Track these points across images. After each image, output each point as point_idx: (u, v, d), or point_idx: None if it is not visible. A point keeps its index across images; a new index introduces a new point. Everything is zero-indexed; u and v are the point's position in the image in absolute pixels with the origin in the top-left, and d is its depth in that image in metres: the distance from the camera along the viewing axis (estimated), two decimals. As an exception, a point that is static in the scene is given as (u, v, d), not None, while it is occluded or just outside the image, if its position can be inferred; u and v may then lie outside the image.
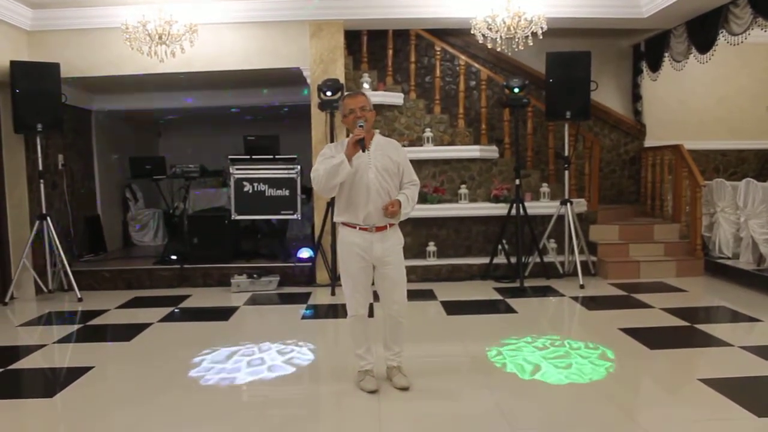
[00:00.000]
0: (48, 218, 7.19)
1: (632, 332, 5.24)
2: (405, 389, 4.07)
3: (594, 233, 8.09)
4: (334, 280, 7.06)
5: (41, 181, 7.24)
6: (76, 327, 6.05)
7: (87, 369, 4.68)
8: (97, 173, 9.70)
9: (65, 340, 5.60)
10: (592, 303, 6.48)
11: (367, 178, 3.91)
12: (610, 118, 9.47)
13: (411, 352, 4.76)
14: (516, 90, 7.32)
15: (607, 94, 9.43)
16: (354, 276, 4.02)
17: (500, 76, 8.81)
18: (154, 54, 6.58)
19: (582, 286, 7.05)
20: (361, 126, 3.84)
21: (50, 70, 7.13)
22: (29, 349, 5.28)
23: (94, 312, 6.57)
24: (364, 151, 3.81)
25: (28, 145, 7.39)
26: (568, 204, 7.48)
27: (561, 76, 7.34)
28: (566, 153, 7.62)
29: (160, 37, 6.49)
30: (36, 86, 7.00)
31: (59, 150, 8.34)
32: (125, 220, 10.54)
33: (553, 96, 7.39)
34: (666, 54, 8.53)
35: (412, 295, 6.67)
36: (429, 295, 6.94)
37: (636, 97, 9.53)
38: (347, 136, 3.94)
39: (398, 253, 4.07)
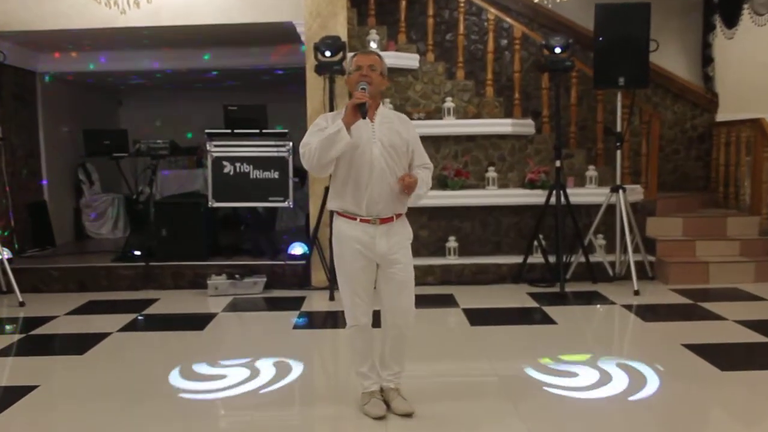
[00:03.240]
0: (-16, 204, 7.21)
1: (699, 349, 5.20)
2: (408, 415, 4.06)
3: (652, 227, 8.04)
4: (333, 282, 7.04)
5: (-25, 159, 7.26)
6: (17, 337, 6.05)
7: (31, 388, 4.67)
8: (43, 150, 9.71)
9: (4, 352, 5.60)
10: (649, 313, 6.44)
11: (371, 154, 3.90)
12: (674, 85, 9.41)
13: (427, 371, 4.76)
14: (557, 50, 7.28)
15: (670, 56, 9.36)
16: (353, 278, 4.01)
17: (538, 33, 8.75)
18: (113, 4, 6.56)
19: (637, 293, 7.01)
20: (363, 89, 3.81)
21: (-13, 22, 7.13)
22: (-40, 364, 5.29)
23: (40, 319, 6.57)
24: (364, 117, 3.79)
25: (-41, 116, 7.41)
26: (621, 191, 7.43)
27: (613, 34, 7.28)
28: (618, 128, 7.57)
29: (121, -17, 6.49)
30: (-31, 42, 7.01)
31: (-4, 121, 8.36)
32: (78, 208, 10.56)
33: (604, 58, 7.34)
34: (745, 5, 8.43)
35: (429, 300, 6.77)
36: (449, 301, 6.93)
37: (706, 59, 9.46)
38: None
39: (407, 249, 4.06)
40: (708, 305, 6.57)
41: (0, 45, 7.19)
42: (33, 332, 6.18)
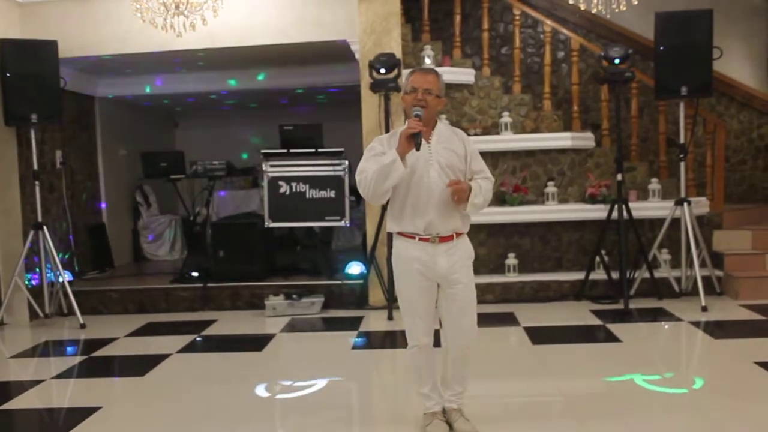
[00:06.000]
0: (44, 227, 7.36)
1: (773, 367, 5.09)
2: (471, 437, 4.03)
3: (719, 241, 7.90)
4: (392, 302, 7.04)
5: (36, 182, 7.41)
6: (78, 359, 6.16)
7: (93, 410, 4.74)
8: (101, 173, 9.93)
9: (65, 374, 5.70)
10: (718, 330, 6.34)
11: (429, 177, 3.87)
12: (739, 93, 9.27)
13: (490, 391, 4.72)
14: (617, 61, 7.22)
15: (735, 63, 9.23)
16: (414, 298, 3.98)
17: (596, 44, 8.69)
18: (170, 27, 6.65)
19: (705, 309, 6.87)
20: (417, 115, 3.77)
21: (46, 48, 7.29)
22: (22, 386, 5.39)
23: (100, 341, 6.68)
24: (418, 149, 3.73)
25: (21, 140, 7.58)
26: (685, 204, 7.32)
27: (674, 43, 7.20)
28: (682, 140, 7.46)
29: (177, 7, 6.54)
30: (29, 69, 7.17)
31: (57, 145, 8.55)
32: (136, 230, 10.75)
33: (665, 68, 7.26)
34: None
35: (489, 319, 6.71)
36: (509, 319, 6.87)
37: (772, 66, 9.32)
38: (405, 120, 3.87)
39: (467, 268, 4.02)
40: (781, 321, 6.44)
41: (61, 71, 7.35)
42: (94, 354, 6.28)
